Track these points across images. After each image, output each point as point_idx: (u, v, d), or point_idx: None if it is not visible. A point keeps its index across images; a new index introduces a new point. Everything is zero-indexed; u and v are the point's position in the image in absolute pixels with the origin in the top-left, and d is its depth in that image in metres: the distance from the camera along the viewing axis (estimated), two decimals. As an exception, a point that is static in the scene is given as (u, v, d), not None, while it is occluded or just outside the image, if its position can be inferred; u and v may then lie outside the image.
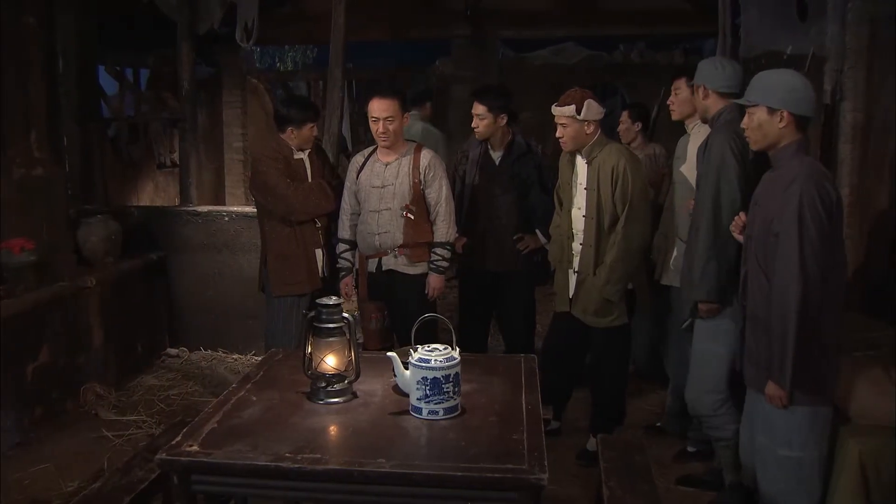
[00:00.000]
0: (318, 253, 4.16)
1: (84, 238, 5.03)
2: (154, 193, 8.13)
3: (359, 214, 4.05)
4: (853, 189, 4.93)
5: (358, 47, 8.96)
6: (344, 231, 4.12)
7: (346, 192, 4.09)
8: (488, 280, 4.37)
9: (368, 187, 3.96)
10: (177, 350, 5.72)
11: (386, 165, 3.94)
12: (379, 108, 3.80)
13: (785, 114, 2.69)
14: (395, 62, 10.37)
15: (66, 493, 3.65)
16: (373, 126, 3.87)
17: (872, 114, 4.76)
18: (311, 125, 4.10)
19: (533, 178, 4.30)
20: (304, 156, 4.16)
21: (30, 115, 4.55)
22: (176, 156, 8.26)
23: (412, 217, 3.90)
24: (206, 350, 5.71)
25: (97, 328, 4.88)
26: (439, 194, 3.94)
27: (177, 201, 8.01)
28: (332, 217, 4.19)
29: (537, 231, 4.31)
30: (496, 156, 4.32)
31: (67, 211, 4.90)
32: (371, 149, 4.06)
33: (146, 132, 8.06)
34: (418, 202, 3.91)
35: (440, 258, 3.97)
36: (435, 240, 3.97)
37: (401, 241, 3.92)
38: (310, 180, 4.14)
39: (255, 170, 4.16)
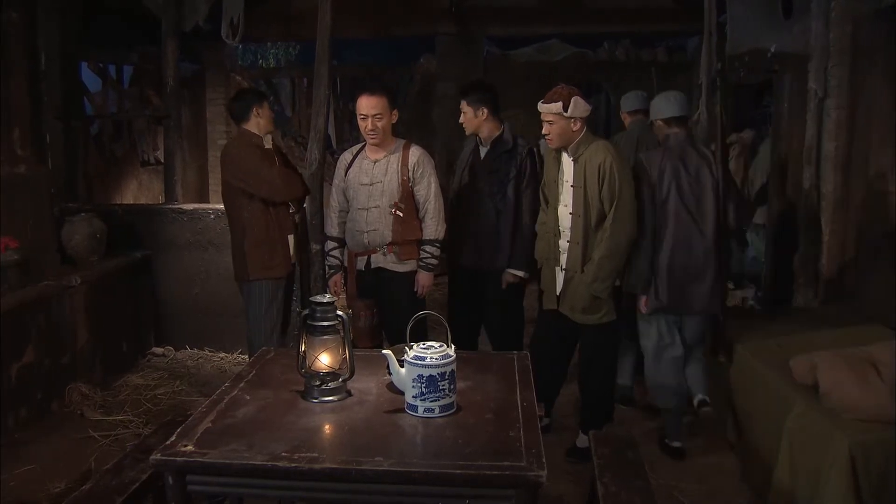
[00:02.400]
0: (290, 238, 4.27)
1: (68, 237, 4.98)
2: (138, 191, 8.05)
3: (347, 212, 4.04)
4: (837, 186, 4.99)
5: (342, 44, 8.92)
6: (332, 229, 4.11)
7: (334, 190, 4.07)
8: (474, 277, 4.36)
9: (357, 185, 3.95)
10: (163, 349, 5.69)
11: (374, 162, 3.93)
12: (367, 104, 3.79)
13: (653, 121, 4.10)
14: (379, 59, 10.33)
15: (53, 494, 3.62)
16: (361, 123, 3.85)
17: (856, 111, 4.81)
18: (268, 102, 4.30)
19: (511, 175, 4.22)
20: (270, 145, 4.30)
21: (12, 112, 4.51)
22: (159, 153, 8.16)
23: (401, 214, 3.89)
24: (192, 349, 5.68)
25: (82, 327, 4.83)
26: (428, 191, 3.94)
27: (160, 199, 7.93)
28: (302, 204, 4.39)
29: (508, 270, 4.22)
30: (483, 151, 4.30)
31: (51, 209, 4.85)
32: (359, 146, 4.05)
33: (129, 129, 7.97)
34: (407, 199, 3.91)
35: (429, 255, 3.97)
36: (424, 237, 3.97)
37: (390, 239, 3.91)
38: None
39: (233, 157, 4.20)
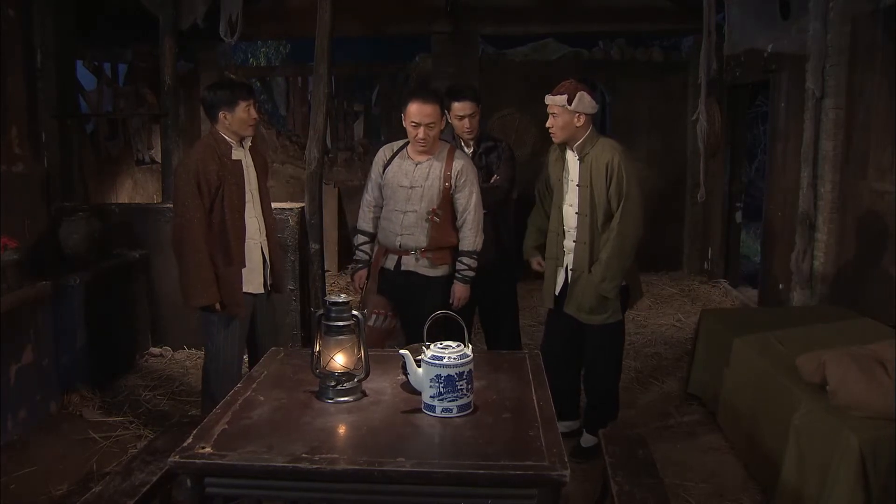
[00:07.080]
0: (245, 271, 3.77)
1: (66, 236, 4.93)
2: (133, 190, 7.98)
3: (381, 207, 3.91)
4: (835, 185, 5.02)
5: (336, 43, 8.84)
6: (365, 223, 3.98)
7: (370, 184, 3.94)
8: None
9: (396, 185, 3.79)
10: (160, 349, 5.66)
11: (416, 165, 3.77)
12: (421, 113, 3.63)
13: None
14: (373, 58, 10.30)
15: (56, 496, 3.59)
16: (412, 130, 3.69)
17: (854, 111, 4.84)
18: (246, 104, 3.58)
19: (497, 168, 4.29)
20: (242, 154, 3.69)
21: (10, 110, 4.46)
22: (154, 152, 8.12)
23: (438, 220, 3.75)
24: (189, 349, 5.65)
25: (81, 328, 4.79)
26: (468, 201, 3.79)
27: (155, 198, 7.88)
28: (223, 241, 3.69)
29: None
30: (468, 150, 4.28)
31: (49, 208, 4.80)
32: (400, 143, 3.90)
33: (125, 128, 7.91)
34: (445, 206, 3.76)
35: (466, 267, 3.82)
36: (462, 248, 3.82)
37: (424, 245, 3.77)
38: (249, 185, 3.71)
39: (178, 173, 3.67)
